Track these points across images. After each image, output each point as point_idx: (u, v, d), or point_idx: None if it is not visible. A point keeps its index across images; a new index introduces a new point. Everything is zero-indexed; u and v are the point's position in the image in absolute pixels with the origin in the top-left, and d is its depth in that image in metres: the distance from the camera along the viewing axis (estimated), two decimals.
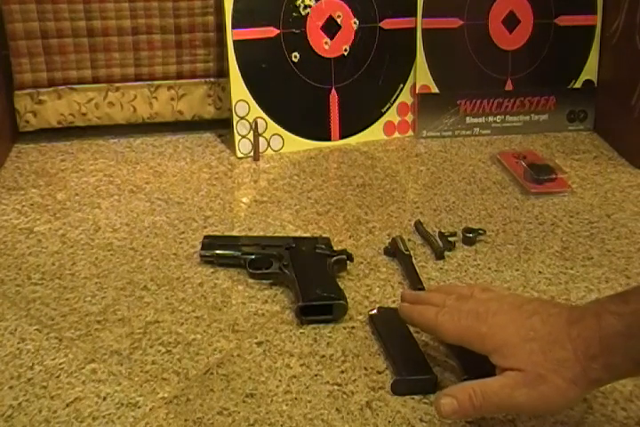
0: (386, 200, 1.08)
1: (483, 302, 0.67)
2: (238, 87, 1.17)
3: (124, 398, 0.69)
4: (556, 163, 1.17)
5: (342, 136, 1.26)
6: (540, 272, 0.91)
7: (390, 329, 0.78)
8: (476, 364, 0.73)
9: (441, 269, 0.91)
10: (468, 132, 1.30)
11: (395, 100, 1.28)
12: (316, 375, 0.73)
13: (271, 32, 1.18)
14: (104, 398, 0.69)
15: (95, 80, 1.20)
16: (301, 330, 0.79)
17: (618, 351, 0.58)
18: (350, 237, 0.98)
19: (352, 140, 1.26)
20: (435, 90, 1.28)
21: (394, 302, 0.84)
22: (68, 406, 0.68)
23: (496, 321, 0.64)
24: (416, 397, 0.70)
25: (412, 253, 0.92)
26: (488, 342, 0.63)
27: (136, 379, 0.72)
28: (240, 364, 0.74)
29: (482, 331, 0.64)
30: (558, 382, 0.59)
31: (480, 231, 0.98)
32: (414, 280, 0.87)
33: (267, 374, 0.73)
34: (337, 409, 0.68)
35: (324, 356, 0.75)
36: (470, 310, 0.66)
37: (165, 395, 0.70)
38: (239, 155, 1.20)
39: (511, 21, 1.28)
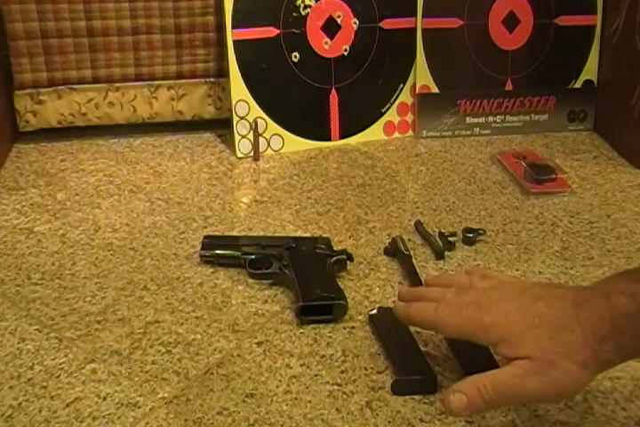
0: (386, 200, 1.08)
1: (483, 292, 0.65)
2: (238, 87, 1.17)
3: (124, 398, 0.69)
4: (556, 163, 1.17)
5: (342, 136, 1.26)
6: (540, 272, 0.91)
7: (390, 329, 0.78)
8: (476, 361, 0.73)
9: (441, 269, 0.91)
10: (468, 132, 1.30)
11: (395, 100, 1.28)
12: (315, 375, 0.73)
13: (271, 32, 1.18)
14: (104, 398, 0.69)
15: (95, 80, 1.20)
16: (301, 330, 0.79)
17: (628, 332, 0.56)
18: (350, 237, 0.98)
19: (352, 140, 1.26)
20: (435, 90, 1.28)
21: (394, 302, 0.84)
22: (68, 406, 0.68)
23: (499, 310, 0.62)
24: (416, 397, 0.70)
25: (412, 253, 0.92)
26: (492, 333, 0.62)
27: (136, 379, 0.72)
28: (240, 364, 0.74)
29: (485, 322, 0.62)
30: (569, 366, 0.58)
31: (480, 231, 0.98)
32: (414, 280, 0.87)
33: (267, 374, 0.73)
34: (337, 409, 0.68)
35: (324, 356, 0.75)
36: (471, 301, 0.64)
37: (165, 395, 0.70)
38: (239, 155, 1.20)
39: (511, 21, 1.28)
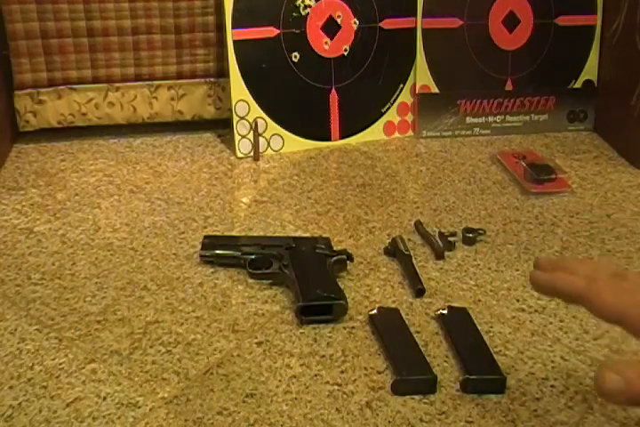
0: (386, 200, 1.08)
1: None
2: (238, 87, 1.17)
3: (123, 398, 0.69)
4: (556, 163, 1.17)
5: (342, 136, 1.26)
6: None
7: (390, 329, 0.78)
8: (477, 361, 0.73)
9: (441, 269, 0.91)
10: (468, 132, 1.30)
11: (395, 100, 1.28)
12: (315, 375, 0.73)
13: (271, 32, 1.18)
14: (104, 398, 0.69)
15: (95, 80, 1.20)
16: (301, 330, 0.79)
17: None
18: (350, 237, 0.98)
19: (352, 140, 1.26)
20: (435, 90, 1.28)
21: (394, 302, 0.84)
22: (68, 406, 0.68)
23: None
24: (416, 397, 0.70)
25: (412, 253, 0.92)
26: None
27: (136, 379, 0.72)
28: (240, 364, 0.74)
29: None
30: None
31: (480, 231, 0.98)
32: (414, 280, 0.87)
33: (267, 374, 0.73)
34: (337, 409, 0.68)
35: (323, 356, 0.75)
36: (635, 289, 0.56)
37: (165, 395, 0.70)
38: (239, 155, 1.20)
39: (511, 21, 1.28)
